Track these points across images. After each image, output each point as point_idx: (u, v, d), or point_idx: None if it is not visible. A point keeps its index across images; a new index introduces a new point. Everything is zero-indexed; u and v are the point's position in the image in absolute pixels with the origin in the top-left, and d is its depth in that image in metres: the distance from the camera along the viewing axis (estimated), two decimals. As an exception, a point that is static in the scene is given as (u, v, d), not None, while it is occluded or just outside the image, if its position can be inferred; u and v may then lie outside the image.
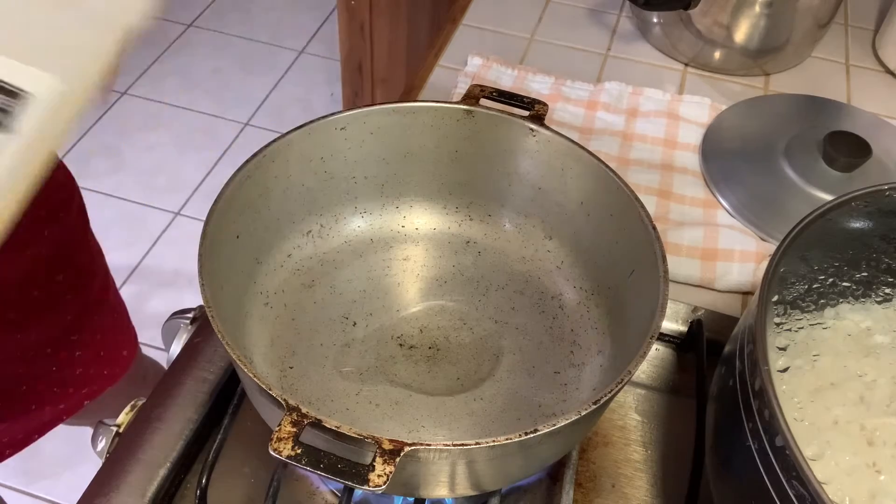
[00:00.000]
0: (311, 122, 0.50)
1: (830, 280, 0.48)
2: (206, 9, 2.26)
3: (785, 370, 0.46)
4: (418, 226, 0.56)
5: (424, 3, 1.30)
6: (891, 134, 0.72)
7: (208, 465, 0.46)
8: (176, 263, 1.64)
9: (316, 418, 0.34)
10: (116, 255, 1.66)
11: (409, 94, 0.77)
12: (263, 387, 0.35)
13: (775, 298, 0.47)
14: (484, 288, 0.54)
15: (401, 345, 0.50)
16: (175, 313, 0.57)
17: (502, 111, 0.51)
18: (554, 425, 0.35)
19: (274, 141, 0.48)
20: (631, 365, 0.38)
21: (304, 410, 0.34)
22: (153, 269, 1.63)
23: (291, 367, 0.48)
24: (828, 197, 0.62)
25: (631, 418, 0.52)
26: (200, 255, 0.42)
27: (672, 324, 0.56)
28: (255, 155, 0.47)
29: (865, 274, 0.48)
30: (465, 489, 0.41)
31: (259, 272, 0.50)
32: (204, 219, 0.44)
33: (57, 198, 0.65)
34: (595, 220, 0.51)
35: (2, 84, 0.31)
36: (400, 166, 0.54)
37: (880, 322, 0.49)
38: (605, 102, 0.74)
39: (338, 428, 0.34)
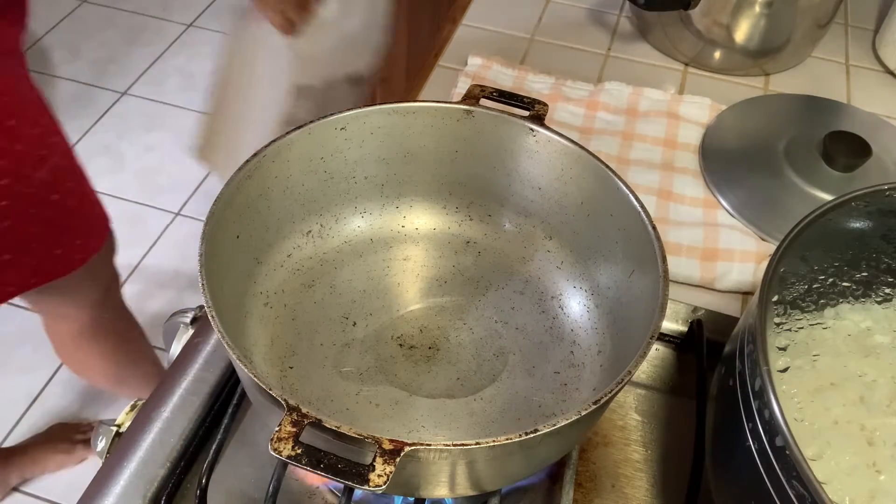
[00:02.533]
0: (311, 122, 0.50)
1: (830, 280, 0.48)
2: (206, 9, 2.25)
3: (785, 370, 0.46)
4: (418, 226, 0.56)
5: (424, 3, 1.30)
6: (891, 134, 0.72)
7: (208, 465, 0.46)
8: (176, 263, 1.64)
9: (316, 418, 0.34)
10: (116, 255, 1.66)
11: (409, 94, 0.77)
12: (263, 387, 0.35)
13: (775, 298, 0.47)
14: (484, 288, 0.54)
15: (401, 345, 0.50)
16: (175, 313, 0.57)
17: (502, 111, 0.51)
18: (554, 425, 0.35)
19: (274, 141, 0.48)
20: (631, 365, 0.38)
21: (304, 410, 0.34)
22: (153, 269, 1.63)
23: (291, 367, 0.48)
24: (828, 197, 0.62)
25: (631, 418, 0.52)
26: (200, 255, 0.42)
27: (672, 324, 0.56)
28: (255, 155, 0.47)
29: (865, 274, 0.48)
30: (465, 489, 0.41)
31: (259, 272, 0.50)
32: (204, 219, 0.44)
33: None
34: (595, 220, 0.51)
35: None
36: (400, 166, 0.54)
37: (880, 322, 0.49)
38: (605, 102, 0.74)
39: (338, 428, 0.34)
